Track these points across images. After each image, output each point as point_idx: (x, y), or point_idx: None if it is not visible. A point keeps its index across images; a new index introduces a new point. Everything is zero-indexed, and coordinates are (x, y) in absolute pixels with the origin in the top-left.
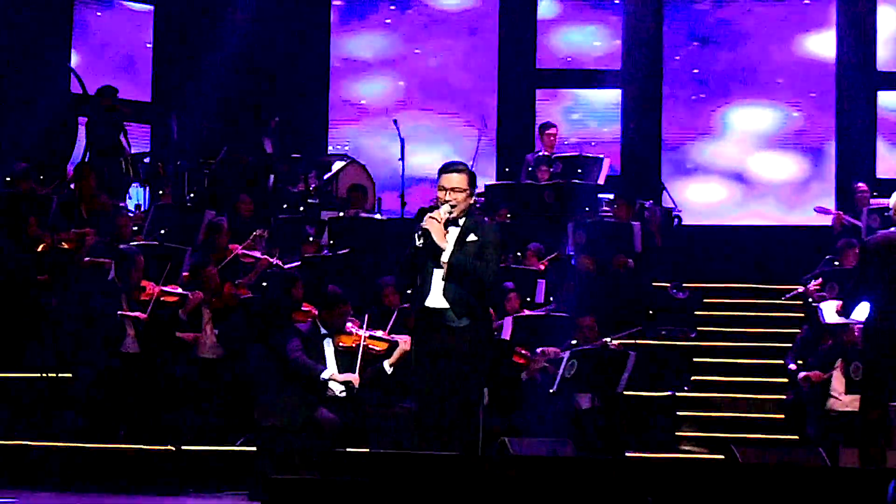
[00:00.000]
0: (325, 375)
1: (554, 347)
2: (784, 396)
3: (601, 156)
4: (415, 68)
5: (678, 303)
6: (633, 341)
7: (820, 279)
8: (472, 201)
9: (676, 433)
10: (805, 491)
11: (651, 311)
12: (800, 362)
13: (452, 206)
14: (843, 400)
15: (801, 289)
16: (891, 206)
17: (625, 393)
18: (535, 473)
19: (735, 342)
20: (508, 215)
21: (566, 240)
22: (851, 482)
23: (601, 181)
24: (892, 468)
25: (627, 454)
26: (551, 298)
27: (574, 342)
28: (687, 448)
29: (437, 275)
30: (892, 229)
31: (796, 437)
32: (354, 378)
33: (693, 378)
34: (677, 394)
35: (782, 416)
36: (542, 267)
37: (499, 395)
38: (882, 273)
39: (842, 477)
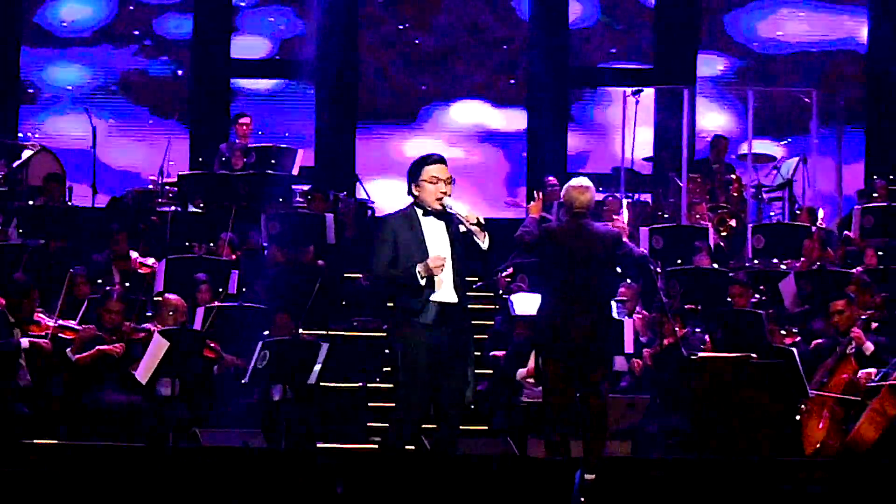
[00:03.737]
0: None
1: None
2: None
3: (295, 147)
4: (108, 57)
5: (371, 294)
6: (325, 332)
7: (510, 270)
8: None
9: (368, 424)
10: (492, 481)
11: (344, 303)
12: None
13: (448, 196)
14: (534, 391)
15: (491, 279)
16: (562, 197)
17: (317, 384)
18: (226, 465)
19: None
20: (202, 205)
21: (260, 230)
22: (537, 472)
23: (295, 172)
24: (576, 457)
25: (319, 445)
26: (244, 289)
27: (267, 333)
28: (378, 439)
29: (447, 268)
30: (565, 221)
31: (485, 427)
32: None
33: (385, 369)
34: (369, 385)
35: (471, 406)
36: (234, 258)
37: (190, 387)
38: (552, 266)
39: (528, 466)
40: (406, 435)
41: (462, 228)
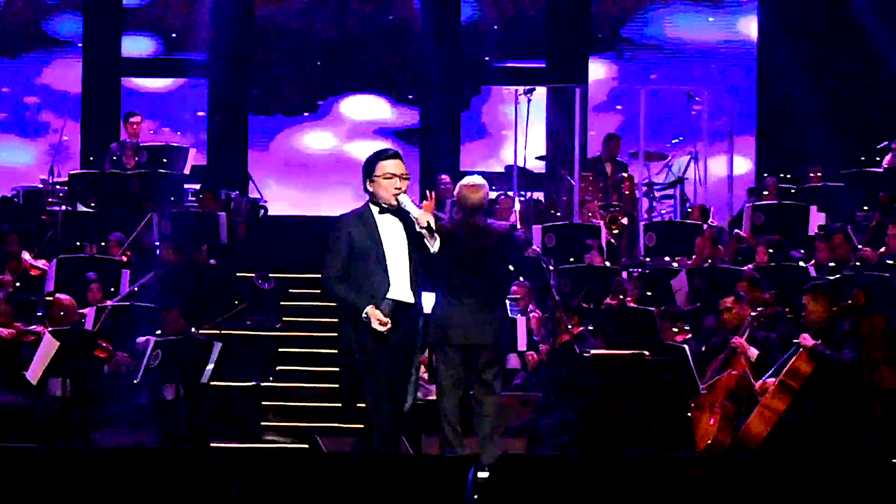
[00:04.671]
0: None
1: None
2: None
3: (187, 146)
4: None
5: (263, 293)
6: (218, 332)
7: None
8: None
9: (262, 423)
10: (386, 478)
11: (236, 302)
12: None
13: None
14: (427, 388)
15: None
16: (454, 195)
17: (210, 383)
18: (119, 465)
19: (320, 332)
20: (93, 204)
21: (151, 230)
22: (430, 470)
23: (187, 171)
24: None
25: (212, 444)
26: (135, 289)
27: (159, 332)
28: (271, 438)
29: (402, 267)
30: (458, 219)
31: None
32: None
33: (278, 368)
34: (262, 384)
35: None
36: (125, 258)
37: (82, 386)
38: (445, 264)
39: (421, 464)
40: (388, 436)
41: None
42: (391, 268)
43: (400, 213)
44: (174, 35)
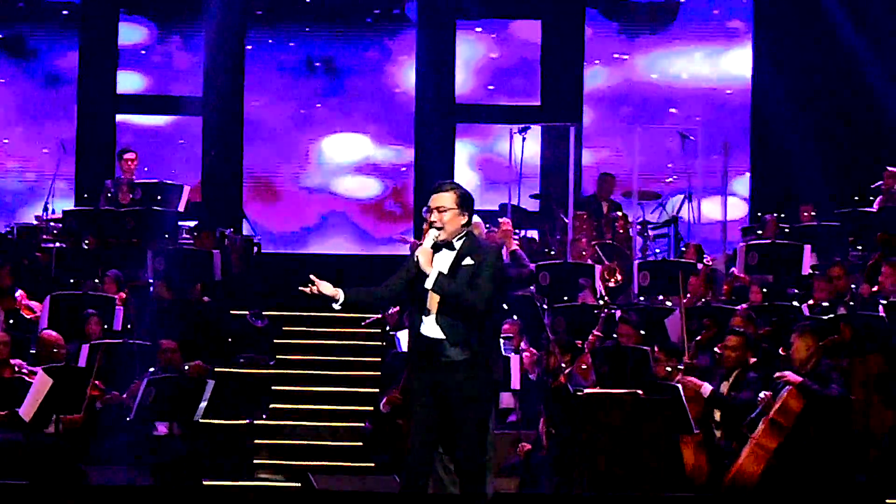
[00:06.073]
0: None
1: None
2: (362, 424)
3: (181, 183)
4: None
5: (257, 331)
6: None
7: (398, 307)
8: (464, 220)
9: (254, 461)
10: None
11: (230, 340)
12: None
13: (439, 228)
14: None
15: (380, 315)
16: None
17: (202, 420)
18: (111, 502)
19: (313, 370)
20: (86, 241)
21: (146, 266)
22: None
23: (181, 208)
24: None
25: (205, 482)
26: (129, 326)
27: (152, 370)
28: (264, 476)
29: (432, 301)
30: None
31: (372, 464)
32: None
33: (271, 406)
34: (255, 422)
35: (360, 443)
36: (123, 295)
37: (75, 422)
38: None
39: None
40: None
41: (468, 261)
42: (429, 300)
43: (449, 246)
44: (170, 72)
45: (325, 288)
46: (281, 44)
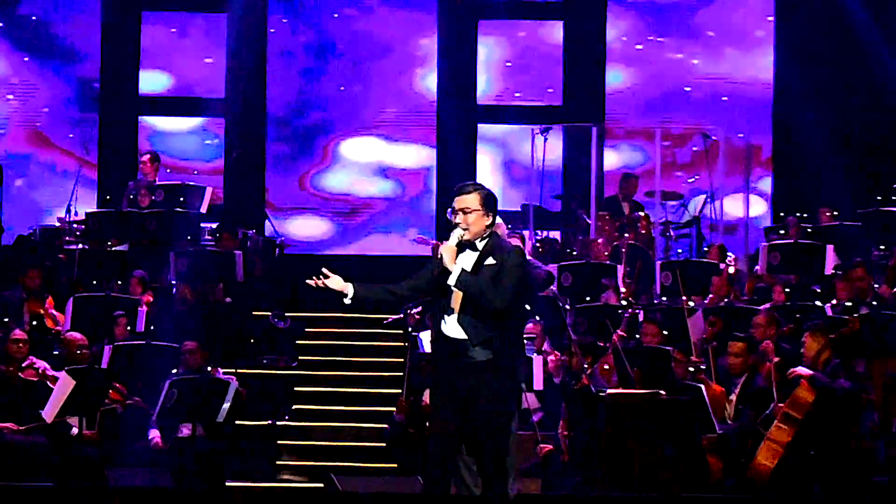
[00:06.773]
0: None
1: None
2: (384, 425)
3: (204, 185)
4: None
5: (280, 332)
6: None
7: (420, 307)
8: (488, 221)
9: (277, 462)
10: None
11: (252, 340)
12: None
13: (464, 229)
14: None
15: (401, 316)
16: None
17: (225, 422)
18: None
19: (336, 371)
20: (109, 243)
21: (168, 268)
22: None
23: (204, 210)
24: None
25: (228, 483)
26: (152, 327)
27: (175, 371)
28: (287, 477)
29: (455, 300)
30: None
31: (395, 465)
32: None
33: (294, 407)
34: (278, 423)
35: (383, 444)
36: (149, 297)
37: (98, 423)
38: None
39: None
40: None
41: (490, 261)
42: (452, 299)
43: (473, 246)
44: (193, 74)
45: (334, 282)
46: (302, 44)
